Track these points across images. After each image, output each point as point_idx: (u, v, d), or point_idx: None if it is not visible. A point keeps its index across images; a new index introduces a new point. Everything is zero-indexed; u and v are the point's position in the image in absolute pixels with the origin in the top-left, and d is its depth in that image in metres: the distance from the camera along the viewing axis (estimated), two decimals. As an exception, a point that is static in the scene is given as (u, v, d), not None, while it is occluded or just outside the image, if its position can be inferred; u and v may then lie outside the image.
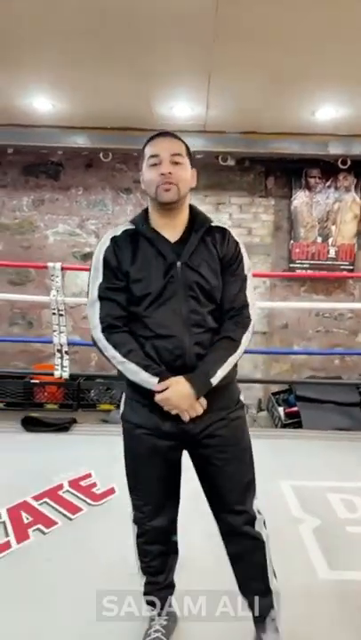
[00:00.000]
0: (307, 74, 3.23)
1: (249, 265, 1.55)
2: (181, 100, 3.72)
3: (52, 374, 3.78)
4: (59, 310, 3.58)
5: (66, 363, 3.67)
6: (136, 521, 1.62)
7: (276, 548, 1.63)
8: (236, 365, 1.52)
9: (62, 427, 3.84)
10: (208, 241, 1.49)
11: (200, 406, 1.43)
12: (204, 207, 4.95)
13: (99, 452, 3.29)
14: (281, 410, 4.51)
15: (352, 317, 5.17)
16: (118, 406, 4.79)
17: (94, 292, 1.48)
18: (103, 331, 1.46)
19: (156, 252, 1.46)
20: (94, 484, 2.88)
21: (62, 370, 3.65)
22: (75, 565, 2.13)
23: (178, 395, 1.39)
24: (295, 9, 2.52)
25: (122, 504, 2.55)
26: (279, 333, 5.17)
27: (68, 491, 2.80)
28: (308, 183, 4.89)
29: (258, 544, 1.57)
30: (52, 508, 2.61)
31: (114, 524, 2.35)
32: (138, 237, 1.48)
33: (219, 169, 4.76)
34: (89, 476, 2.97)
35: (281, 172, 5.00)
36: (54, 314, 3.62)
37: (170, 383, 1.40)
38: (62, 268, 3.63)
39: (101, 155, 4.59)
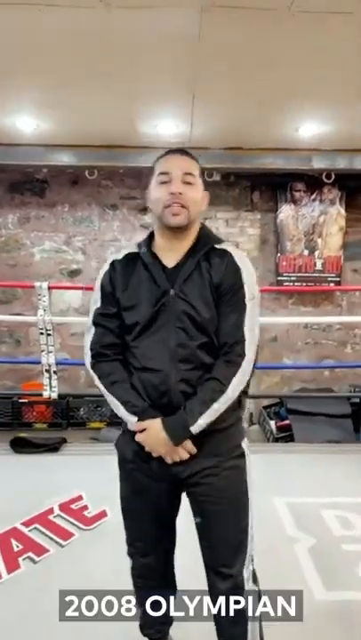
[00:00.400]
0: (290, 93, 3.28)
1: (253, 293, 1.36)
2: (166, 118, 3.74)
3: (40, 394, 3.73)
4: (46, 330, 3.55)
5: (54, 382, 3.62)
6: (130, 555, 1.57)
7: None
8: (239, 405, 1.41)
9: (52, 447, 3.77)
10: (203, 266, 1.35)
11: (184, 451, 1.33)
12: (191, 222, 4.96)
13: (89, 472, 3.24)
14: (273, 423, 4.50)
15: (341, 329, 5.20)
16: (108, 424, 4.77)
17: (90, 318, 1.44)
18: (92, 358, 1.42)
19: (149, 278, 1.37)
20: (86, 507, 2.82)
21: (51, 390, 3.61)
22: (67, 595, 2.08)
23: (153, 440, 1.32)
24: (278, 32, 2.56)
25: (114, 528, 2.48)
26: (269, 346, 5.17)
27: (58, 515, 2.73)
28: (294, 197, 4.94)
29: (240, 622, 1.40)
30: (43, 534, 2.55)
31: (106, 550, 2.29)
32: (137, 262, 1.41)
33: (204, 184, 4.78)
34: (80, 498, 2.91)
35: (266, 186, 5.04)
36: (42, 333, 3.58)
37: (146, 425, 1.33)
38: (49, 288, 3.60)
39: (87, 172, 4.59)
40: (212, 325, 1.34)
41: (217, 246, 1.39)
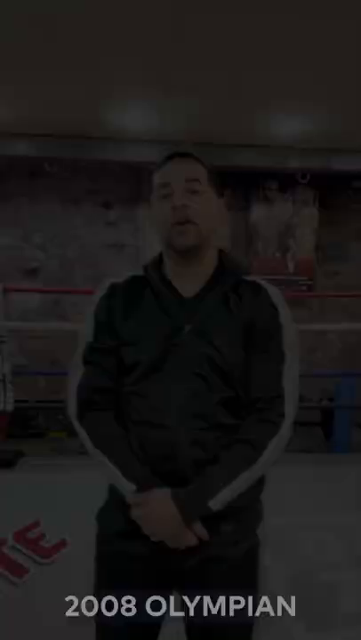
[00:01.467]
0: (266, 87, 3.14)
1: (292, 338, 1.12)
2: (133, 107, 3.50)
3: (-7, 407, 3.43)
4: (1, 337, 3.25)
5: (10, 394, 3.33)
6: None
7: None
8: (262, 481, 1.11)
9: (7, 462, 3.50)
10: (232, 301, 1.10)
11: (193, 536, 1.01)
12: (159, 219, 4.72)
13: (48, 492, 2.98)
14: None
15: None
16: (70, 434, 4.48)
17: (79, 354, 1.14)
18: (78, 407, 1.11)
19: (159, 308, 1.10)
20: (42, 536, 2.57)
21: (6, 402, 3.31)
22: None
23: (156, 517, 1.00)
24: (259, 21, 2.36)
25: (75, 561, 2.27)
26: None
27: (12, 546, 2.48)
28: (267, 196, 4.78)
29: None
30: (-5, 571, 2.29)
31: (66, 589, 2.04)
32: (144, 287, 1.14)
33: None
34: (37, 524, 2.65)
35: (238, 184, 4.84)
36: (-4, 341, 3.28)
37: (149, 498, 1.01)
38: (5, 290, 3.30)
39: (46, 164, 4.27)
40: (238, 373, 1.07)
41: (247, 278, 1.15)
